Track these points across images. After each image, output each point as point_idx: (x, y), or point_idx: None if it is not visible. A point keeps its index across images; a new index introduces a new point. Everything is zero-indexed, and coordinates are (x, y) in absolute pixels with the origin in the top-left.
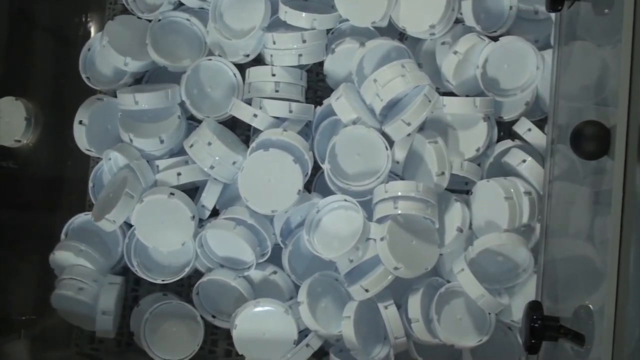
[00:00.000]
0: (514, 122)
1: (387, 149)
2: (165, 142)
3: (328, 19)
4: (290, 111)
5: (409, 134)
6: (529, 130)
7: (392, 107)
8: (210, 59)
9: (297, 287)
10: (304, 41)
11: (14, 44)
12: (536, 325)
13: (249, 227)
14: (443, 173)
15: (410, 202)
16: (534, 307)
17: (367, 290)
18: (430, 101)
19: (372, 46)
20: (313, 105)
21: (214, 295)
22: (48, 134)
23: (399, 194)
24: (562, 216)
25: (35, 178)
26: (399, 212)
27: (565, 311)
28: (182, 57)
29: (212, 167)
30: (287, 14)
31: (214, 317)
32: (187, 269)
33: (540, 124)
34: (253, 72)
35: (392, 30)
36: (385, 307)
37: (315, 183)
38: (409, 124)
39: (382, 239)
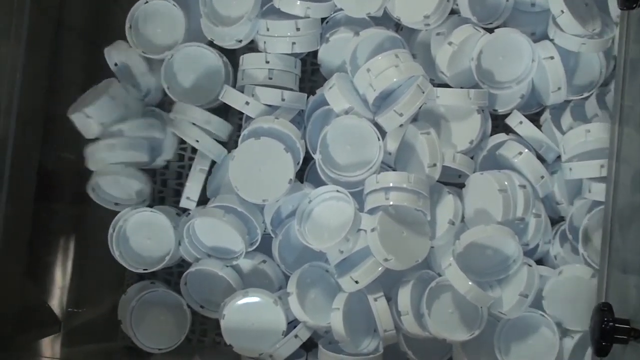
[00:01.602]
0: (509, 115)
1: (379, 140)
2: None
3: (322, 7)
4: (283, 99)
5: (401, 125)
6: (521, 123)
7: (386, 98)
8: (192, 45)
9: (286, 278)
10: (298, 29)
11: None
12: (607, 327)
13: (238, 215)
14: (435, 165)
15: (402, 193)
16: (604, 309)
17: (357, 282)
18: (423, 92)
19: (366, 36)
20: (306, 95)
21: (202, 285)
22: None
23: (391, 184)
24: (633, 206)
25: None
26: (391, 203)
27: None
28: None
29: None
30: (282, 1)
31: (202, 307)
32: (167, 258)
33: (536, 117)
34: (247, 59)
35: (387, 20)
36: (375, 300)
37: (307, 173)
38: (401, 115)
39: (372, 230)
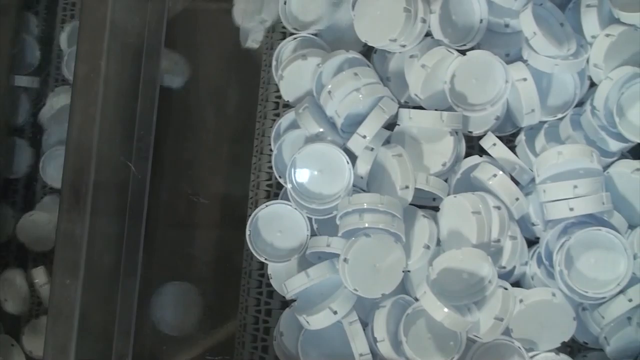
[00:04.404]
0: (484, 136)
1: (348, 164)
2: None
3: None
4: None
5: (372, 149)
6: (494, 144)
7: (356, 121)
8: None
9: None
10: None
11: None
12: None
13: None
14: (407, 187)
15: (377, 214)
16: None
17: (335, 312)
18: (385, 112)
19: (328, 61)
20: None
21: None
22: None
23: (365, 205)
24: None
25: None
26: (366, 224)
27: None
28: None
29: None
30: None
31: None
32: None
33: (512, 138)
34: None
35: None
36: (350, 324)
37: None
38: (364, 137)
39: (344, 260)
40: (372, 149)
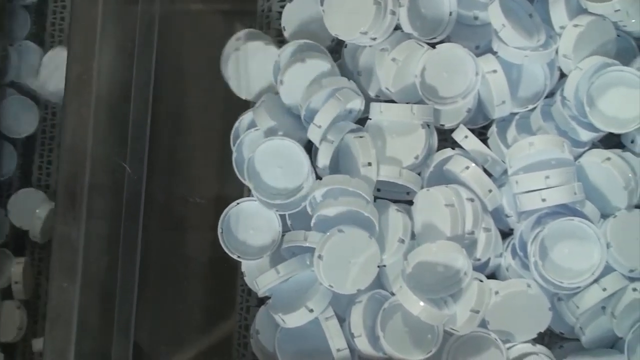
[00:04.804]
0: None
1: (304, 154)
2: None
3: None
4: None
5: (332, 142)
6: (466, 137)
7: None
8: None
9: None
10: None
11: None
12: None
13: None
14: (370, 164)
15: (348, 197)
16: None
17: (311, 310)
18: (341, 101)
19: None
20: None
21: None
22: None
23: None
24: None
25: None
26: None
27: None
28: None
29: None
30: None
31: None
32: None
33: (484, 130)
34: None
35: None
36: (326, 319)
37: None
38: (319, 127)
39: (319, 257)
40: (332, 142)
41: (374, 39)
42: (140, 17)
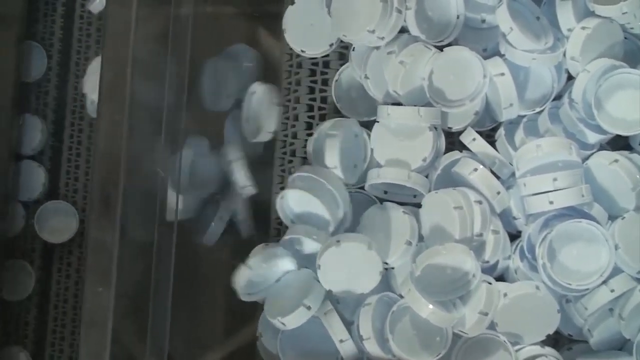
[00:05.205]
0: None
1: None
2: None
3: None
4: None
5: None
6: (474, 139)
7: None
8: None
9: None
10: None
11: None
12: None
13: None
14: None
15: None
16: None
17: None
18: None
19: None
20: None
21: None
22: None
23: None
24: None
25: None
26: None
27: None
28: None
29: None
30: None
31: None
32: None
33: (492, 133)
34: None
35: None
36: (325, 314)
37: None
38: None
39: (318, 267)
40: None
41: (382, 38)
42: (173, 19)
